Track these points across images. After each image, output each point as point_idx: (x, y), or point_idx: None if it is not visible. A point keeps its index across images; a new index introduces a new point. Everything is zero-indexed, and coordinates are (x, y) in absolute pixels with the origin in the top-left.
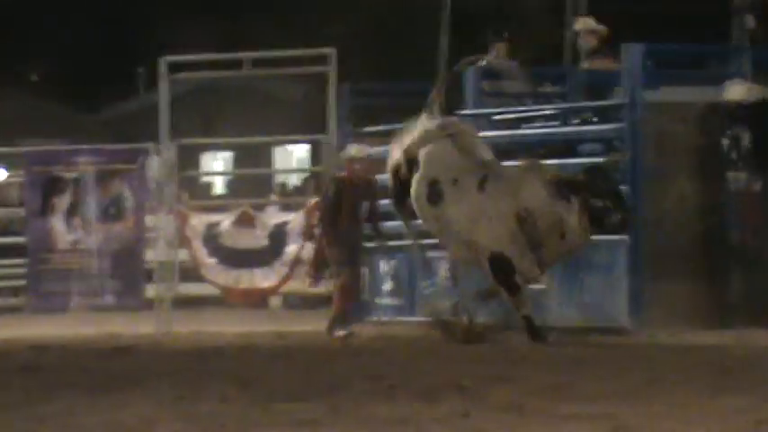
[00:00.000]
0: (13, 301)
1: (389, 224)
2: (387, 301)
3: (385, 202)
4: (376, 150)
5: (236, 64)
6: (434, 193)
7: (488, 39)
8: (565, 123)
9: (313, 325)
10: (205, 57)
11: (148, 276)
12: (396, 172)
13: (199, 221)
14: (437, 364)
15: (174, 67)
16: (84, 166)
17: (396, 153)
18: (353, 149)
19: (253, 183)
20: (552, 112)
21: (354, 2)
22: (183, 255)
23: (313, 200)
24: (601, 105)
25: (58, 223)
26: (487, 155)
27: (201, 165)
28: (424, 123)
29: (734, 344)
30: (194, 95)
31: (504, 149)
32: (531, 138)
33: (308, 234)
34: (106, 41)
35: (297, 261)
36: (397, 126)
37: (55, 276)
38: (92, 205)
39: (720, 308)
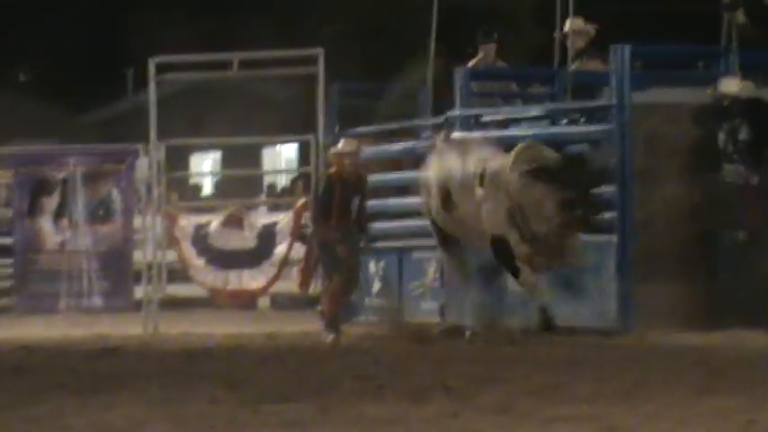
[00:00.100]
0: (2, 301)
1: (377, 226)
2: (376, 301)
3: (374, 203)
4: (368, 150)
5: (225, 65)
6: (447, 201)
7: (478, 40)
8: (553, 124)
9: (302, 326)
10: (194, 58)
11: (137, 277)
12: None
13: (187, 222)
14: (426, 365)
15: (163, 68)
16: (73, 166)
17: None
18: (341, 144)
19: (242, 183)
20: (540, 113)
21: (345, 2)
22: (171, 256)
23: (302, 200)
24: (589, 106)
25: (46, 224)
26: (485, 153)
27: (190, 165)
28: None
29: (723, 345)
30: (183, 96)
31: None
32: (520, 138)
33: (296, 234)
34: (95, 42)
35: (285, 262)
36: (386, 126)
37: (43, 277)
38: (80, 206)
39: (710, 309)
